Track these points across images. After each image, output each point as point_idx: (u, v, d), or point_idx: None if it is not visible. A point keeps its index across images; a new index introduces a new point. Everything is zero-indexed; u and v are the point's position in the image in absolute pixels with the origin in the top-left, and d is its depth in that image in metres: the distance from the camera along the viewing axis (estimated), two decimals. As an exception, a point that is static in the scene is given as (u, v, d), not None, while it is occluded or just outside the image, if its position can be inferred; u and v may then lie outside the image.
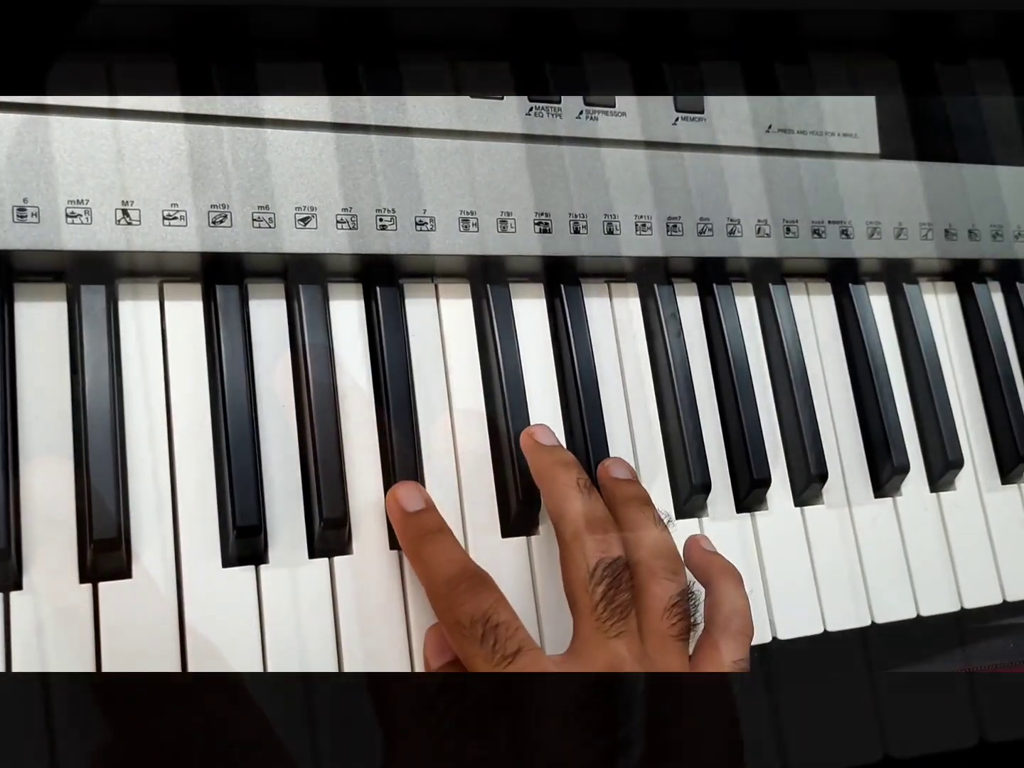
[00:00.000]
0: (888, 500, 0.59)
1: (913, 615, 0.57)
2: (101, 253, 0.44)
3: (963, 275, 0.65)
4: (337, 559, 0.46)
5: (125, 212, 0.44)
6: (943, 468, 0.60)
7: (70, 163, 0.43)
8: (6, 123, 0.42)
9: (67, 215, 0.43)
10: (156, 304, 0.47)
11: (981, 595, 0.59)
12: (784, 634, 0.54)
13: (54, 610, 0.41)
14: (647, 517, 0.47)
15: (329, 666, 0.45)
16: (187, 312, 0.47)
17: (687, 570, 0.49)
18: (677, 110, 0.55)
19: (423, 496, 0.47)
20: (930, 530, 0.59)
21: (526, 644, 0.41)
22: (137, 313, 0.46)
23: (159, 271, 0.47)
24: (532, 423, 0.51)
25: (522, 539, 0.50)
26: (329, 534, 0.46)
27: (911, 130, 0.61)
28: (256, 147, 0.46)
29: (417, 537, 0.46)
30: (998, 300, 0.66)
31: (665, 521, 0.48)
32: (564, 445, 0.51)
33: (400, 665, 0.46)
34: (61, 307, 0.45)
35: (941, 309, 0.65)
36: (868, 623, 0.56)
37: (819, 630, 0.55)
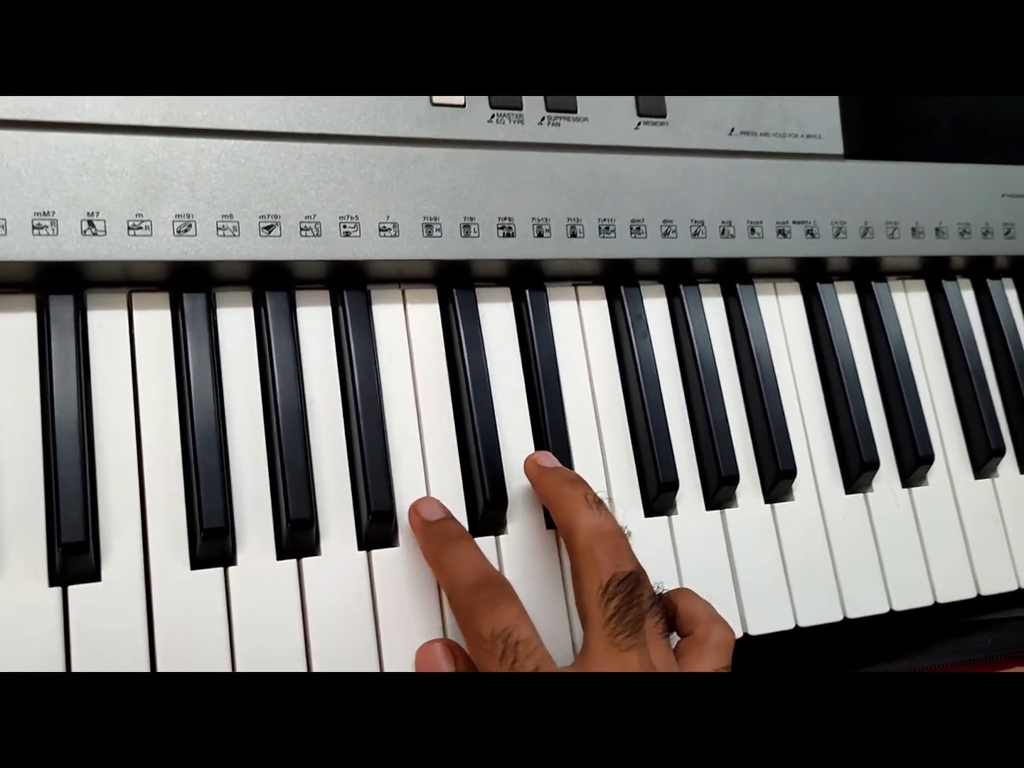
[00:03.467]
0: (859, 496, 0.59)
1: (886, 610, 0.57)
2: (68, 263, 0.45)
3: (932, 272, 0.66)
4: (305, 560, 0.47)
5: (91, 223, 0.45)
6: (914, 463, 0.60)
7: (35, 176, 0.44)
8: (-28, 138, 0.43)
9: (34, 227, 0.44)
10: (124, 313, 0.48)
11: (955, 589, 0.59)
12: (755, 630, 0.54)
13: (23, 614, 0.42)
14: (579, 497, 0.47)
15: (298, 667, 0.45)
16: (155, 320, 0.48)
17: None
18: (639, 114, 0.56)
19: (442, 508, 0.48)
20: (902, 525, 0.60)
21: (544, 663, 0.41)
22: (106, 322, 0.47)
23: (127, 281, 0.48)
24: (500, 428, 0.52)
25: (490, 538, 0.50)
26: (297, 535, 0.46)
27: (874, 130, 0.62)
28: (219, 157, 0.47)
29: (439, 543, 0.46)
30: (968, 297, 0.67)
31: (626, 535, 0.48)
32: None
33: (369, 666, 0.46)
34: (30, 317, 0.46)
35: (911, 306, 0.65)
36: (840, 618, 0.56)
37: (791, 625, 0.55)
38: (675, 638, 0.49)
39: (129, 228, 0.45)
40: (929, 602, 0.59)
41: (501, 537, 0.51)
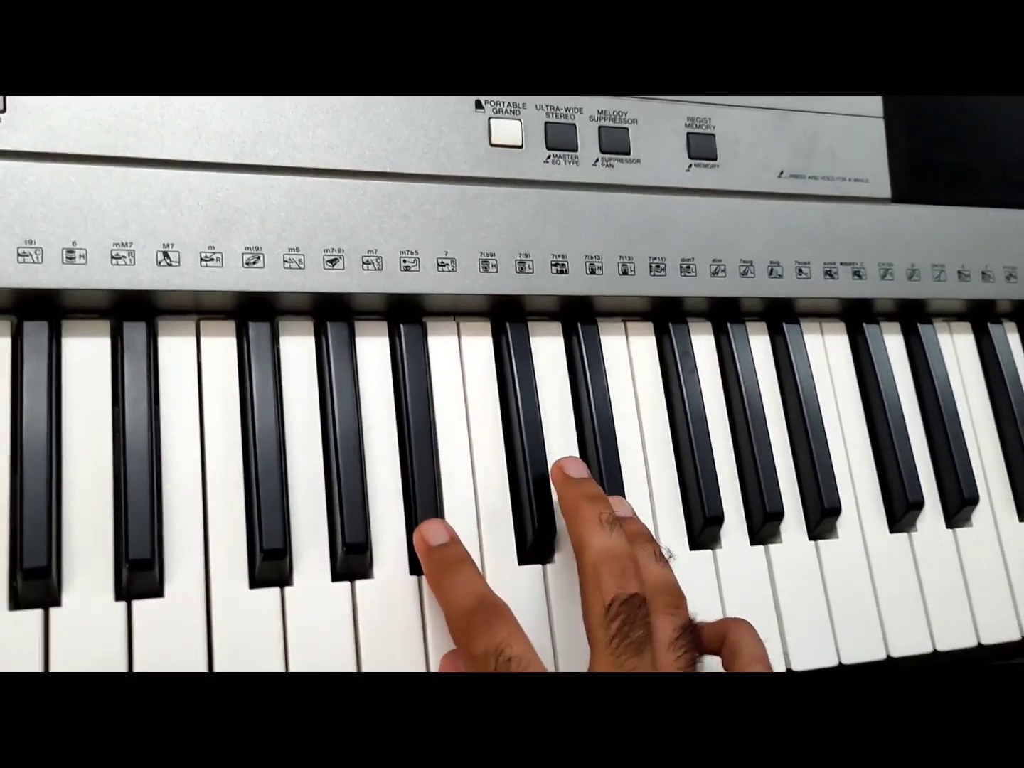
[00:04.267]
0: (903, 535, 0.60)
1: (930, 650, 0.58)
2: (143, 292, 0.47)
3: (978, 316, 0.66)
4: (359, 583, 0.48)
5: (166, 254, 0.47)
6: (959, 505, 0.61)
7: (116, 209, 0.46)
8: (58, 172, 0.46)
9: (112, 257, 0.46)
10: (193, 340, 0.50)
11: (999, 631, 0.59)
12: (798, 666, 0.55)
13: (90, 626, 0.44)
14: (647, 554, 0.48)
15: (350, 687, 0.47)
16: (221, 347, 0.50)
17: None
18: (690, 156, 0.58)
19: (447, 531, 0.49)
20: (946, 566, 0.60)
21: None
22: (175, 348, 0.49)
23: (196, 309, 0.50)
24: (549, 457, 0.53)
25: (538, 567, 0.52)
26: (351, 558, 0.48)
27: (922, 174, 0.63)
28: (288, 193, 0.49)
29: (439, 569, 0.47)
30: (1014, 340, 0.67)
31: (666, 556, 0.49)
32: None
33: (418, 688, 0.48)
34: (105, 342, 0.48)
35: (956, 349, 0.66)
36: (883, 656, 0.56)
37: (834, 662, 0.55)
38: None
39: (201, 259, 0.47)
40: (973, 643, 0.59)
41: (548, 566, 0.52)
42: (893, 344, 0.64)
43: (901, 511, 0.59)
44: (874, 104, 0.63)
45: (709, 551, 0.55)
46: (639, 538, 0.49)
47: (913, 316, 0.64)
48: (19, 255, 0.45)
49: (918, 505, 0.59)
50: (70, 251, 0.45)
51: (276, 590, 0.47)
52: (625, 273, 0.55)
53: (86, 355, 0.48)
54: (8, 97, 0.46)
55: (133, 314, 0.48)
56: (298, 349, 0.51)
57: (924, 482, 0.60)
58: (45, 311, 0.47)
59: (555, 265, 0.54)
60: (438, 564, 0.47)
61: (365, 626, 0.48)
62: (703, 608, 0.53)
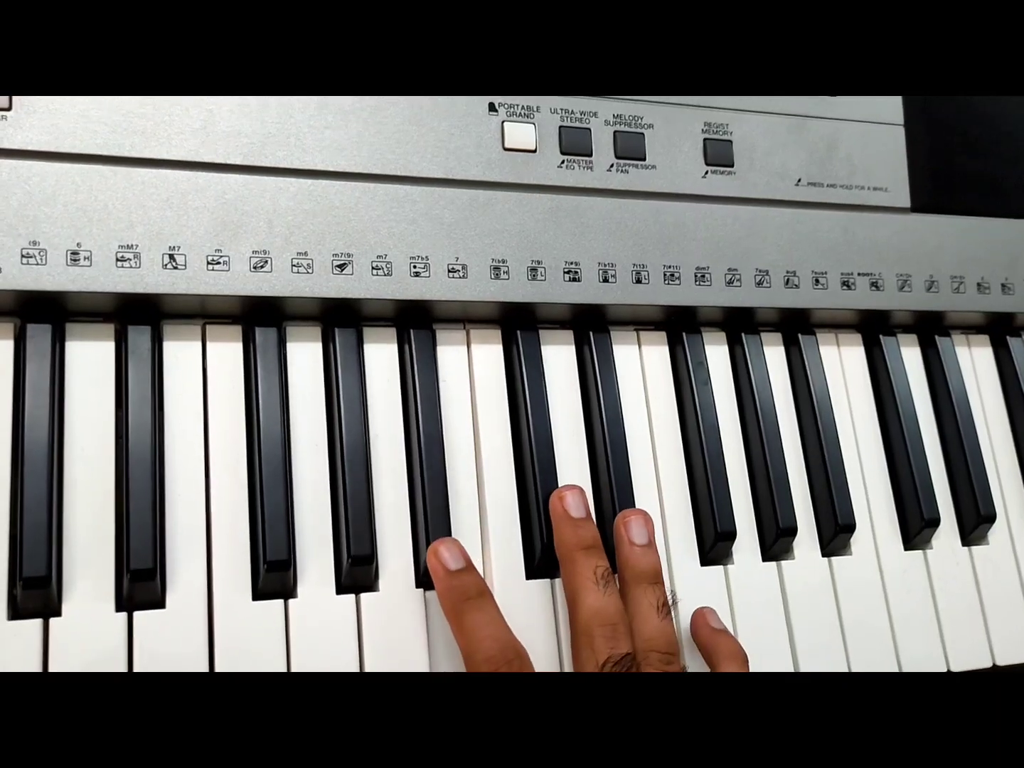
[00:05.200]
0: (918, 552, 0.58)
1: (943, 669, 0.57)
2: (148, 296, 0.46)
3: (996, 328, 0.65)
4: (364, 596, 0.47)
5: (172, 257, 0.46)
6: (975, 522, 0.59)
7: (122, 210, 0.45)
8: (63, 172, 0.45)
9: (117, 259, 0.45)
10: (199, 344, 0.49)
11: (1014, 652, 0.58)
12: (809, 685, 0.53)
13: (90, 637, 0.43)
14: (650, 603, 0.48)
15: (353, 701, 0.46)
16: (227, 352, 0.49)
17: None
18: (707, 163, 0.56)
19: (463, 555, 0.48)
20: (961, 584, 0.59)
21: None
22: (180, 353, 0.48)
23: (202, 313, 0.49)
24: (559, 470, 0.52)
25: (546, 581, 0.51)
26: (357, 571, 0.47)
27: (942, 183, 0.62)
28: (296, 196, 0.48)
29: (459, 601, 0.46)
30: (1033, 353, 0.66)
31: (670, 603, 0.49)
32: (591, 506, 0.51)
33: (423, 702, 0.47)
34: (109, 346, 0.47)
35: (974, 361, 0.65)
36: (896, 676, 0.55)
37: (846, 682, 0.54)
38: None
39: (208, 263, 0.46)
40: (988, 664, 0.58)
41: (557, 580, 0.51)
42: (910, 356, 0.63)
43: (916, 528, 0.58)
44: (894, 111, 0.61)
45: (720, 567, 0.54)
46: (646, 578, 0.49)
47: (931, 328, 0.63)
48: (23, 256, 0.44)
49: (934, 523, 0.58)
50: (74, 253, 0.45)
51: (279, 602, 0.46)
52: (639, 281, 0.54)
53: (90, 359, 0.47)
54: (15, 96, 0.45)
55: (138, 317, 0.47)
56: (305, 355, 0.50)
57: (940, 498, 0.59)
58: (49, 313, 0.46)
59: (568, 273, 0.53)
60: (457, 595, 0.46)
61: (370, 640, 0.47)
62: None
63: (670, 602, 0.49)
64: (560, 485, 0.51)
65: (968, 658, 0.57)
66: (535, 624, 0.49)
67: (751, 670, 0.49)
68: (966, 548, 0.60)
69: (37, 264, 0.44)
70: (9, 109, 0.45)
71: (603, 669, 0.45)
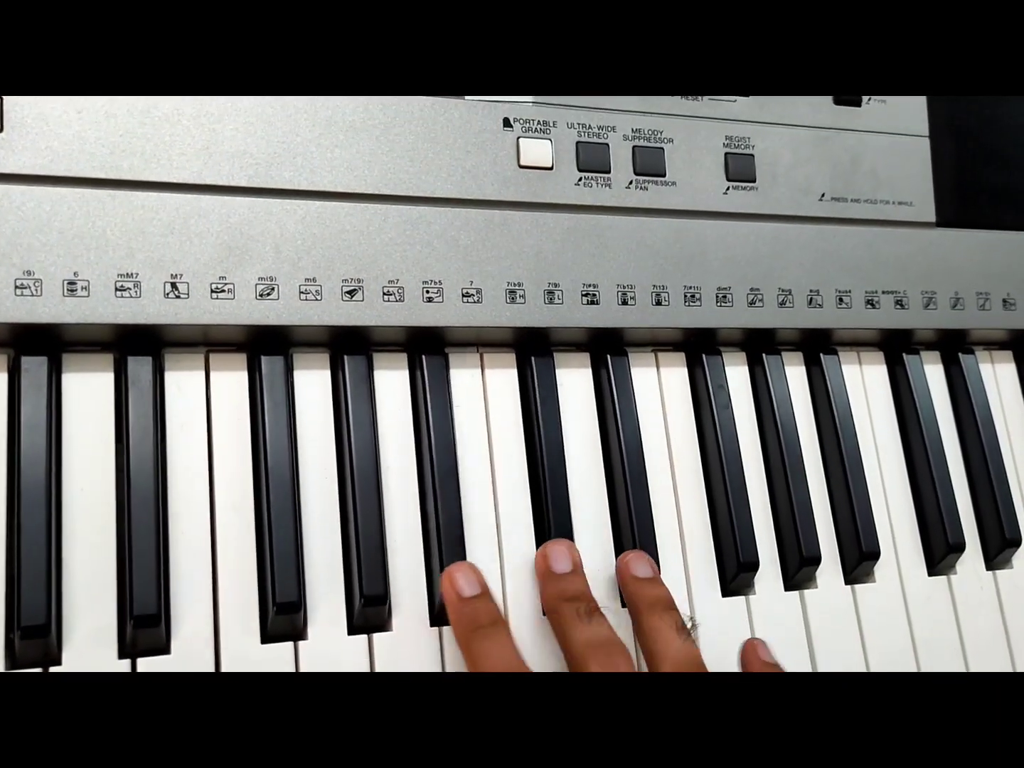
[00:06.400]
0: (942, 578, 0.57)
1: (968, 699, 0.55)
2: (149, 326, 0.44)
3: (1021, 345, 0.63)
4: (376, 636, 0.46)
5: (174, 285, 0.44)
6: (1000, 546, 0.58)
7: (121, 237, 0.43)
8: (59, 197, 0.43)
9: (117, 289, 0.43)
10: (202, 374, 0.47)
11: (1040, 680, 0.57)
12: (833, 718, 0.52)
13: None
14: (669, 626, 0.46)
15: (366, 746, 0.44)
16: (232, 382, 0.47)
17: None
18: (728, 179, 0.54)
19: (479, 580, 0.46)
20: (986, 610, 0.57)
21: None
22: (183, 383, 0.46)
23: (205, 341, 0.47)
24: (572, 498, 0.50)
25: (564, 616, 0.49)
26: (369, 611, 0.45)
27: (967, 197, 0.60)
28: (304, 219, 0.46)
29: (471, 629, 0.45)
30: (1058, 371, 0.64)
31: (688, 626, 0.47)
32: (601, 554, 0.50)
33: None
34: (108, 377, 0.45)
35: (998, 379, 0.63)
36: (921, 708, 0.54)
37: (870, 714, 0.53)
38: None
39: (212, 291, 0.44)
40: (1012, 692, 0.56)
41: (576, 616, 0.49)
42: (933, 374, 0.61)
43: (941, 554, 0.56)
44: (919, 122, 0.59)
45: (742, 597, 0.52)
46: (658, 605, 0.47)
47: (954, 345, 0.61)
48: (16, 287, 0.42)
49: (959, 548, 0.56)
50: (71, 283, 0.42)
51: (289, 645, 0.44)
52: (659, 304, 0.52)
53: (88, 391, 0.45)
54: (6, 116, 0.42)
55: (138, 347, 0.45)
56: (313, 383, 0.48)
57: (964, 521, 0.58)
58: (44, 344, 0.44)
59: (586, 295, 0.51)
60: (469, 622, 0.45)
61: (383, 682, 0.45)
62: (736, 659, 0.51)
63: (688, 625, 0.47)
64: (573, 515, 0.50)
65: (992, 686, 0.56)
66: (552, 661, 0.47)
67: None
68: (990, 572, 0.58)
69: (32, 295, 0.42)
70: (0, 130, 0.42)
71: None
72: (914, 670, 0.54)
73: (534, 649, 0.47)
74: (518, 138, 0.50)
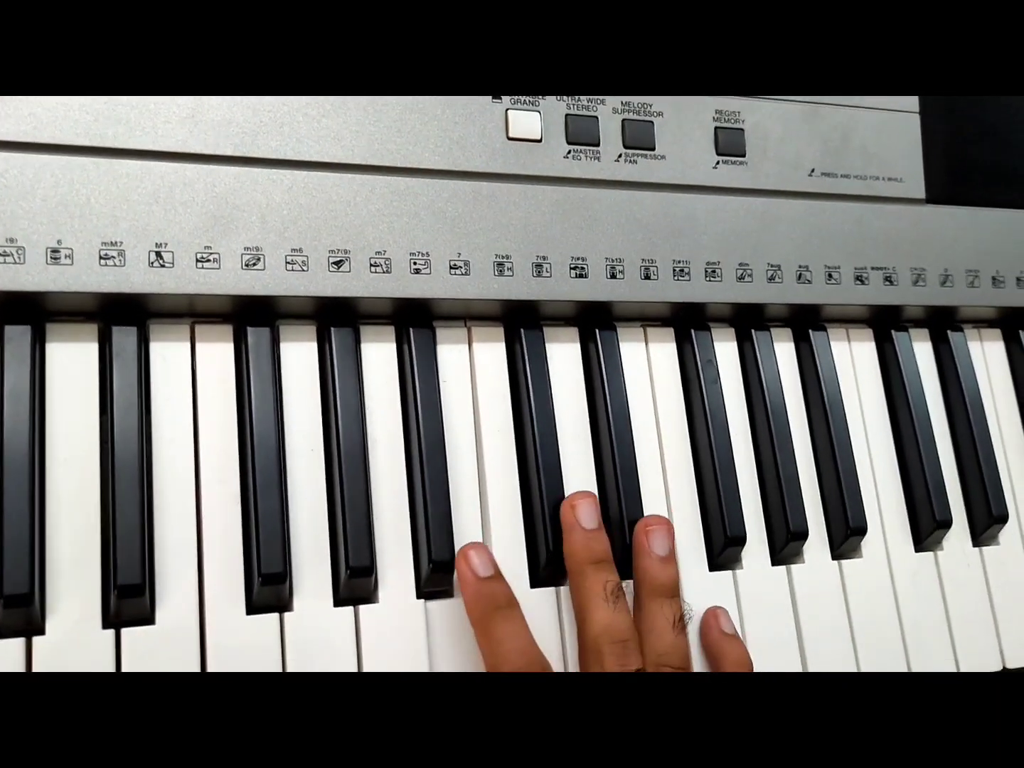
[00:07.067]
0: (929, 554, 0.57)
1: (953, 671, 0.55)
2: (134, 295, 0.43)
3: (1009, 322, 0.63)
4: (362, 607, 0.45)
5: (159, 254, 0.43)
6: (987, 523, 0.58)
7: (105, 205, 0.43)
8: (42, 164, 0.42)
9: (101, 257, 0.43)
10: (187, 345, 0.46)
11: (1024, 655, 0.57)
12: (819, 692, 0.52)
13: (75, 655, 0.41)
14: (666, 618, 0.47)
15: (352, 717, 0.44)
16: (217, 353, 0.47)
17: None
18: (718, 153, 0.54)
19: (492, 561, 0.46)
20: (972, 586, 0.58)
21: None
22: (168, 354, 0.46)
23: (190, 312, 0.46)
24: (564, 472, 0.50)
25: (551, 589, 0.49)
26: (355, 582, 0.45)
27: (958, 174, 0.60)
28: (291, 189, 0.46)
29: (488, 609, 0.45)
30: (1046, 348, 0.64)
31: (686, 620, 0.48)
32: (599, 513, 0.49)
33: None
34: (92, 347, 0.45)
35: (987, 357, 0.63)
36: (906, 682, 0.54)
37: (855, 689, 0.53)
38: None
39: (197, 260, 0.44)
40: (998, 666, 0.57)
41: (563, 589, 0.49)
42: (921, 351, 0.61)
43: (928, 530, 0.56)
44: (910, 99, 0.59)
45: (729, 572, 0.52)
46: (664, 592, 0.48)
47: (942, 322, 0.61)
48: (-1, 254, 0.41)
49: (946, 524, 0.56)
50: (55, 251, 0.42)
51: (275, 616, 0.44)
52: (647, 277, 0.52)
53: (72, 361, 0.44)
54: (-13, 82, 0.42)
55: (123, 317, 0.45)
56: (300, 356, 0.48)
57: (951, 497, 0.58)
58: (28, 314, 0.43)
59: (574, 268, 0.50)
60: (487, 603, 0.45)
61: (369, 654, 0.45)
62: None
63: (686, 618, 0.47)
64: (565, 489, 0.50)
65: (978, 660, 0.56)
66: (541, 634, 0.47)
67: None
68: (977, 549, 0.58)
69: (15, 263, 0.41)
70: (-17, 96, 0.42)
71: None
72: (900, 645, 0.55)
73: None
74: (507, 110, 0.50)
